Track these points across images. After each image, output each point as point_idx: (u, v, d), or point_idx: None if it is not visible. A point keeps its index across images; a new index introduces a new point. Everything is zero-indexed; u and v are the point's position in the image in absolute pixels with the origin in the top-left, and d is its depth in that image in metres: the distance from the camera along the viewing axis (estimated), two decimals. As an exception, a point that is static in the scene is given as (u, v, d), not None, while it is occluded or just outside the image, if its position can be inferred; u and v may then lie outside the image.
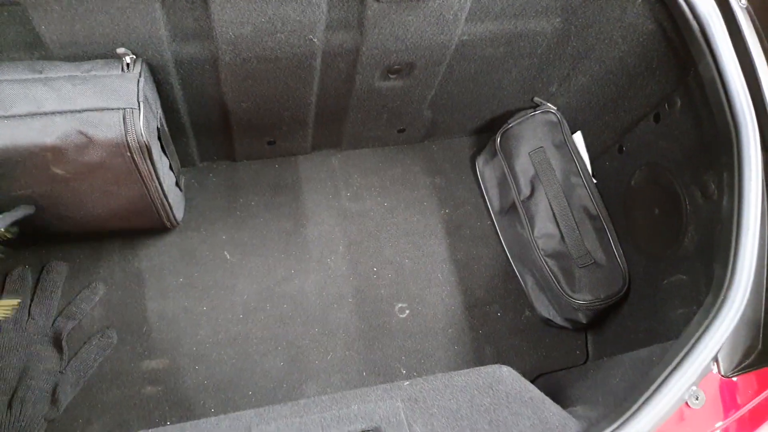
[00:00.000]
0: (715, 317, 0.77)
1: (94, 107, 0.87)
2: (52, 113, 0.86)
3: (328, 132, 1.31)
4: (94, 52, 0.90)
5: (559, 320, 1.24)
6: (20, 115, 0.85)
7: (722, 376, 0.76)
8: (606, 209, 1.22)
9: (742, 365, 0.78)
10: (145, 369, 1.16)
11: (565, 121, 1.27)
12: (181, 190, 1.23)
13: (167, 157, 1.07)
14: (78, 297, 1.18)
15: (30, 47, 0.89)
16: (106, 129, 0.87)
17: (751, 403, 0.78)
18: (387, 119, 1.29)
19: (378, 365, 1.22)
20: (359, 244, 1.32)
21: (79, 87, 0.88)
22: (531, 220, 1.24)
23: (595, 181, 1.25)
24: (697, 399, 0.74)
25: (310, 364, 1.20)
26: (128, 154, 0.90)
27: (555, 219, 1.21)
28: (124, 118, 0.87)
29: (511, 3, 1.03)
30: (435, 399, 0.79)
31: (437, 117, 1.32)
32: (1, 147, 0.85)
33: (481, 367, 0.84)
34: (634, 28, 1.03)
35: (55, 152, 0.88)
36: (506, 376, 0.83)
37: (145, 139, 0.89)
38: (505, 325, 1.29)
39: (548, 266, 1.19)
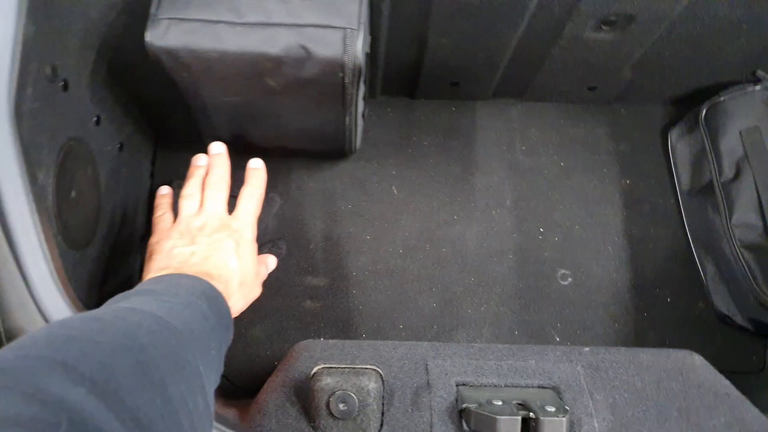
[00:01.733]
0: None
1: (317, 23, 0.89)
2: (279, 25, 0.89)
3: (515, 80, 1.26)
4: (323, -32, 0.91)
5: (739, 319, 1.14)
6: (251, 24, 0.89)
7: None
8: (822, 208, 1.08)
9: None
10: (307, 284, 1.22)
11: (791, 102, 1.13)
12: (364, 119, 1.25)
13: (365, 84, 1.08)
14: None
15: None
16: (326, 46, 0.89)
17: None
18: (582, 74, 1.21)
19: (531, 327, 1.19)
20: (528, 201, 1.28)
21: (307, 2, 0.89)
22: (730, 205, 1.12)
23: (813, 175, 1.11)
24: None
25: (462, 312, 1.20)
26: (341, 74, 0.92)
27: (761, 209, 1.09)
28: (345, 38, 0.88)
29: None
30: (618, 372, 0.76)
31: (637, 79, 1.23)
32: (231, 51, 0.89)
33: (670, 350, 0.79)
34: None
35: (275, 63, 0.91)
36: (699, 364, 0.77)
37: (360, 61, 0.90)
38: (674, 314, 1.20)
39: (743, 258, 1.08)
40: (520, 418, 0.64)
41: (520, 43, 1.11)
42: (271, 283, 1.21)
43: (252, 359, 1.17)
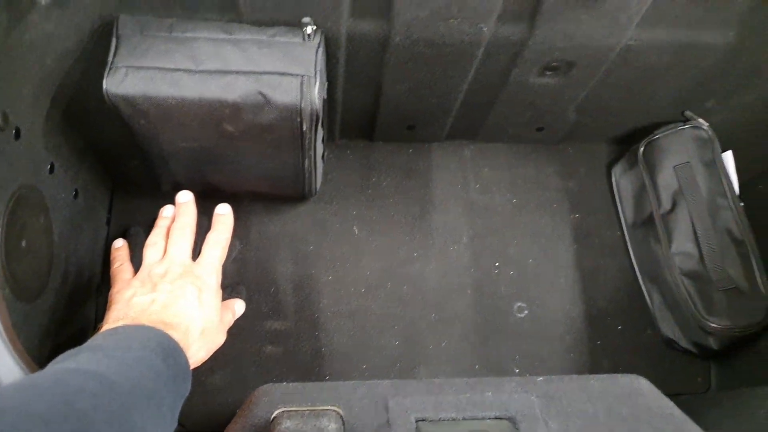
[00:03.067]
0: None
1: (275, 71, 0.92)
2: (237, 72, 0.92)
3: (467, 123, 1.32)
4: (279, 18, 0.95)
5: (684, 343, 1.19)
6: (209, 71, 0.91)
7: None
8: (753, 235, 1.16)
9: None
10: (268, 329, 1.21)
11: (716, 139, 1.22)
12: (323, 161, 1.28)
13: (323, 129, 1.11)
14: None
15: (223, 9, 0.95)
16: (284, 93, 0.92)
17: None
18: (529, 116, 1.28)
19: (491, 360, 1.21)
20: (483, 238, 1.32)
21: (264, 50, 0.93)
22: (669, 235, 1.19)
23: (742, 205, 1.19)
24: None
25: (424, 349, 1.22)
26: (298, 119, 0.95)
27: (696, 238, 1.17)
28: (302, 84, 0.92)
29: (687, 12, 0.99)
30: (571, 400, 0.79)
31: (580, 120, 1.30)
32: (190, 98, 0.91)
33: (618, 375, 0.82)
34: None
35: (234, 109, 0.93)
36: (645, 388, 0.81)
37: (317, 107, 0.93)
38: (624, 341, 1.25)
39: (684, 285, 1.15)
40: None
41: (470, 88, 1.17)
42: (230, 329, 1.20)
43: (211, 408, 1.14)
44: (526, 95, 1.19)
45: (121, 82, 0.90)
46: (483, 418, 0.75)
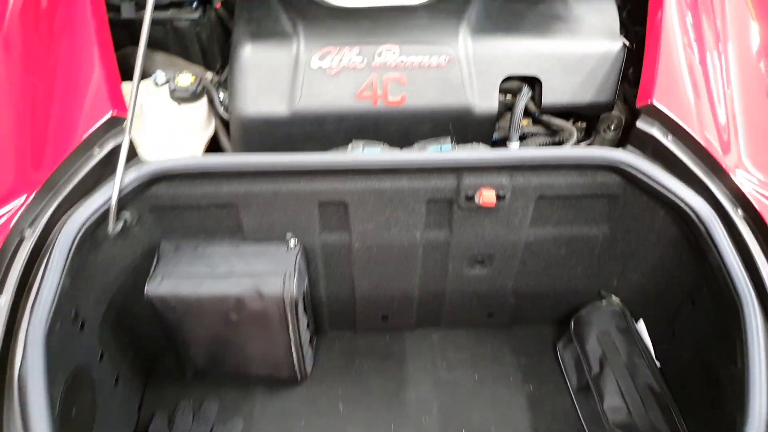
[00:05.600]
0: None
1: (266, 271, 1.30)
2: (239, 274, 1.30)
3: (431, 312, 1.64)
4: (272, 235, 1.36)
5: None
6: (220, 275, 1.31)
7: None
8: (668, 387, 1.36)
9: None
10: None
11: (627, 311, 1.50)
12: (312, 349, 1.59)
13: (307, 317, 1.45)
14: (224, 428, 1.50)
15: (233, 232, 1.37)
16: (272, 287, 1.29)
17: None
18: (477, 304, 1.60)
19: None
20: (451, 409, 1.54)
21: (259, 258, 1.33)
22: (600, 394, 1.40)
23: (658, 364, 1.42)
24: None
25: None
26: (282, 305, 1.30)
27: (621, 394, 1.37)
28: (284, 279, 1.29)
29: (564, 213, 1.37)
30: None
31: (521, 304, 1.61)
32: (205, 295, 1.29)
33: None
34: (664, 232, 1.30)
35: (238, 301, 1.30)
36: None
37: (295, 295, 1.29)
38: None
39: (616, 435, 1.32)
40: None
41: (422, 281, 1.52)
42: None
43: None
44: (467, 285, 1.53)
45: (158, 285, 1.29)
46: None
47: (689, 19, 1.32)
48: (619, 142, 1.33)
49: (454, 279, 1.51)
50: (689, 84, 1.24)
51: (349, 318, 1.65)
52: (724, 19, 1.34)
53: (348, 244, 1.40)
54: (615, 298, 1.53)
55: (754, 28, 1.37)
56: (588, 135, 1.51)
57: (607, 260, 1.47)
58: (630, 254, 1.43)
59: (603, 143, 1.49)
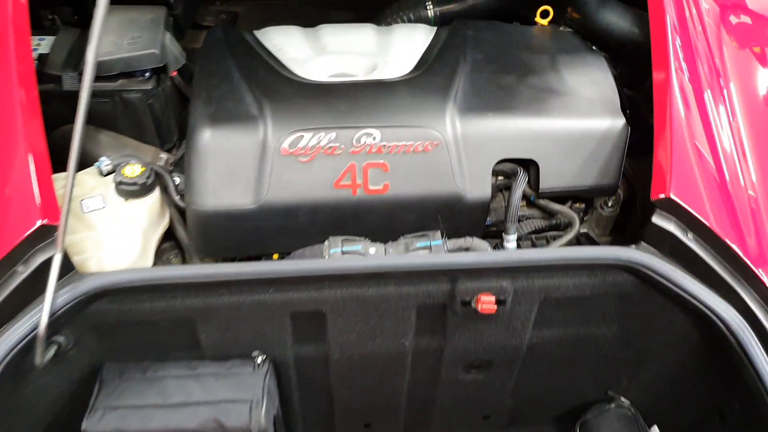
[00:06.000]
0: None
1: (228, 399, 1.10)
2: (197, 403, 1.10)
3: (420, 417, 1.45)
4: (235, 352, 1.16)
5: None
6: (174, 405, 1.09)
7: None
8: None
9: None
10: None
11: (639, 416, 1.34)
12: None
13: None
14: None
15: (190, 348, 1.16)
16: (236, 418, 1.08)
17: None
18: (471, 407, 1.42)
19: None
20: None
21: (221, 381, 1.13)
22: None
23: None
24: None
25: None
26: (250, 438, 1.09)
27: None
28: (251, 408, 1.09)
29: (571, 314, 1.21)
30: None
31: (520, 406, 1.44)
32: (156, 430, 1.07)
33: None
34: (684, 336, 1.16)
35: (194, 435, 1.09)
36: None
37: (264, 425, 1.09)
38: None
39: None
40: None
41: (410, 387, 1.34)
42: None
43: None
44: (461, 390, 1.35)
45: (98, 421, 1.07)
46: None
47: (705, 96, 1.21)
48: (631, 238, 1.19)
49: (446, 385, 1.33)
50: (709, 174, 1.12)
51: (327, 428, 1.45)
52: (731, 96, 1.24)
53: (326, 355, 1.21)
54: (625, 401, 1.37)
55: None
56: (586, 213, 1.38)
57: (617, 360, 1.32)
58: (643, 355, 1.29)
59: (600, 220, 1.36)
